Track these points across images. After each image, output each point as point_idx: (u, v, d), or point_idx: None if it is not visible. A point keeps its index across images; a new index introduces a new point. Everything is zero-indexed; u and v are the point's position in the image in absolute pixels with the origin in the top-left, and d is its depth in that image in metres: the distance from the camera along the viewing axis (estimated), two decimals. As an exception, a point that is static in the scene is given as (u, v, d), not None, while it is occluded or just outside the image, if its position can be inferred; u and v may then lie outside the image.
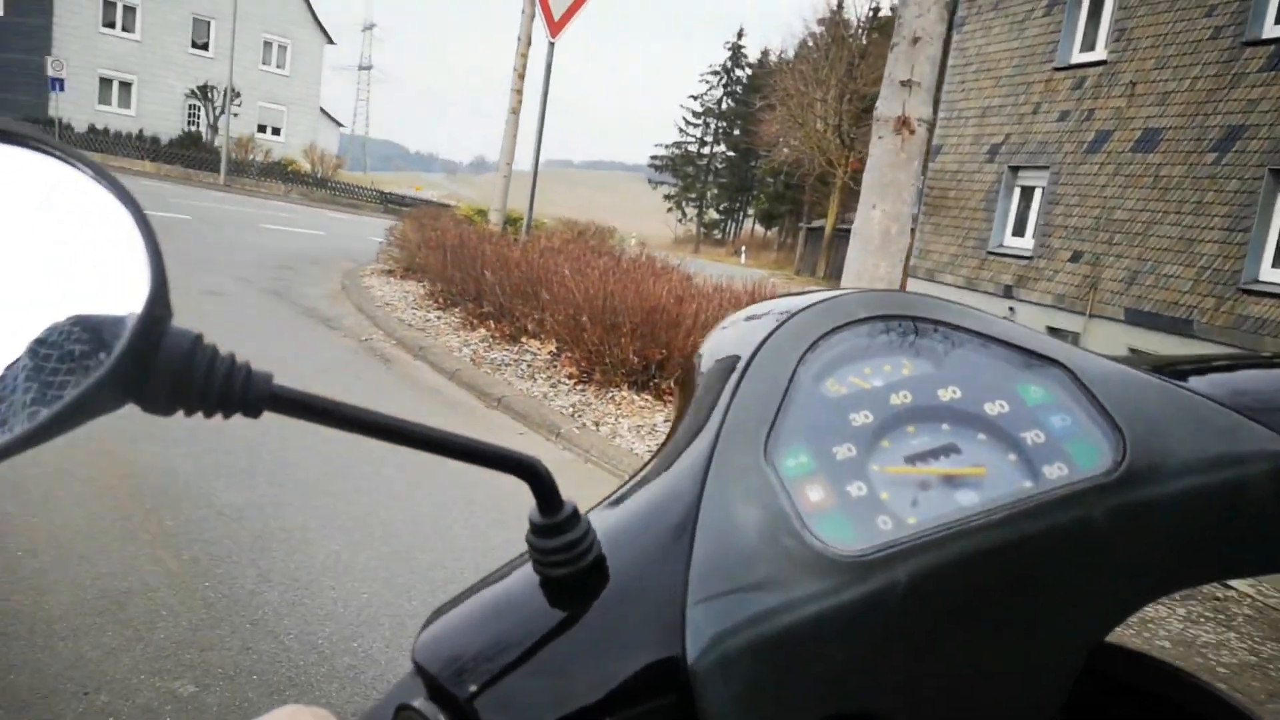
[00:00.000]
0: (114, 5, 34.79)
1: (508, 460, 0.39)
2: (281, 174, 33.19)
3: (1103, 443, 0.43)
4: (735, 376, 0.46)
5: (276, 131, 40.28)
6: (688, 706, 0.38)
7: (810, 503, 0.41)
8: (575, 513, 0.40)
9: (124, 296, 0.30)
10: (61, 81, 27.67)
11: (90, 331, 0.31)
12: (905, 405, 0.45)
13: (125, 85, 35.64)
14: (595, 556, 0.41)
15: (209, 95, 36.18)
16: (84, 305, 0.31)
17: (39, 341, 0.31)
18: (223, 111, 31.48)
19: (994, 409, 0.44)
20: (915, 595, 0.39)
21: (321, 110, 44.67)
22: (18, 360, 0.30)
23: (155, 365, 0.31)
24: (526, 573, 0.41)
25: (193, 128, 36.99)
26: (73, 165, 0.32)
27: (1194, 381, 0.47)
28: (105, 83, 35.03)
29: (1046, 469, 0.42)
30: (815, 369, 0.46)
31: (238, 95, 33.21)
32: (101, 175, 0.32)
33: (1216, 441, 0.44)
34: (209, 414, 0.32)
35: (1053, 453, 0.43)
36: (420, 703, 0.37)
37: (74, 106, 32.89)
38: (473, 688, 0.37)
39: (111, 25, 34.86)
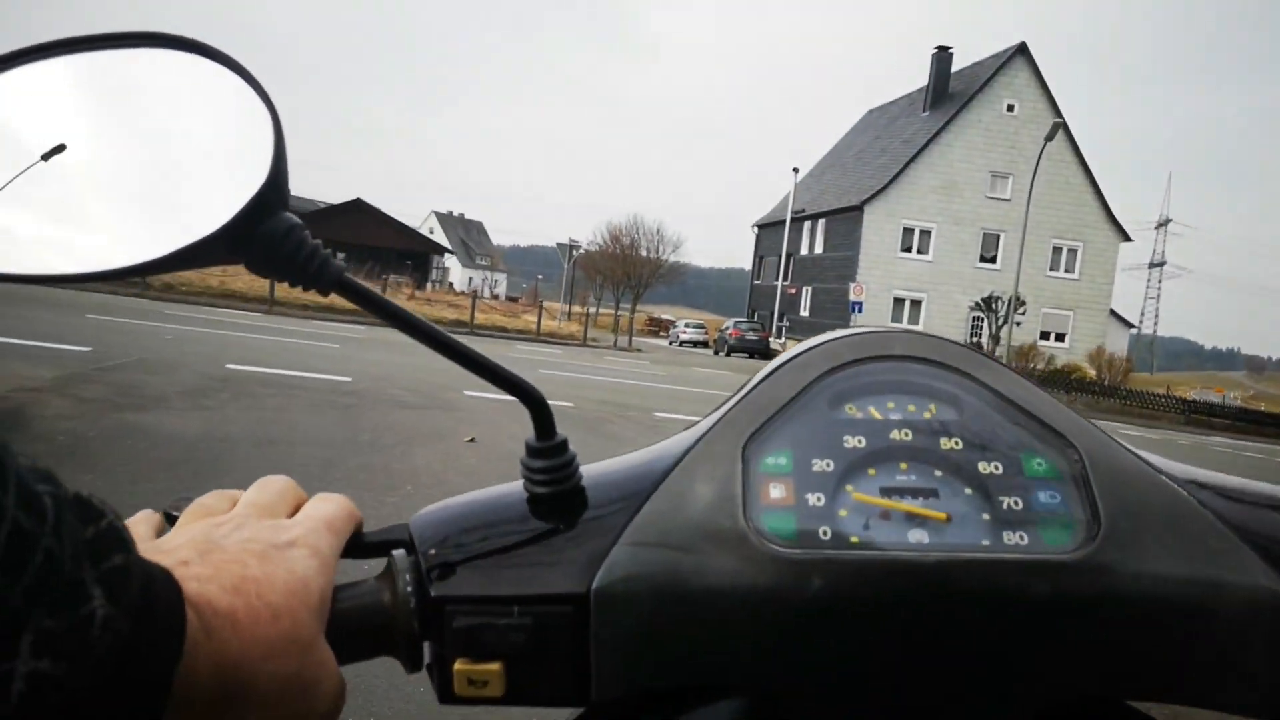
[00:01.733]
0: (911, 231, 37.68)
1: (519, 386, 0.47)
2: (1064, 382, 30.40)
3: (1078, 527, 0.44)
4: (755, 380, 0.52)
5: (1060, 337, 38.07)
6: (584, 624, 0.44)
7: (769, 498, 0.46)
8: (564, 443, 0.48)
9: (252, 179, 0.39)
10: (860, 304, 30.13)
11: (218, 197, 0.39)
12: (903, 442, 0.47)
13: (915, 302, 37.96)
14: (574, 484, 0.48)
15: (993, 306, 35.95)
16: (218, 177, 0.41)
17: (179, 192, 0.41)
18: (1005, 321, 30.51)
19: (988, 468, 0.46)
20: (827, 604, 0.43)
21: (1111, 312, 41.03)
22: (159, 202, 0.41)
23: (259, 235, 0.39)
24: (517, 487, 0.49)
25: (975, 338, 37.07)
26: (238, 73, 0.42)
27: (1210, 496, 0.46)
28: (898, 302, 37.81)
29: (1008, 535, 0.44)
30: (837, 390, 0.50)
31: (1022, 304, 32.08)
32: (254, 84, 0.42)
33: (1201, 559, 0.43)
34: (293, 284, 0.41)
35: (1022, 522, 0.44)
36: (398, 554, 0.46)
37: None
38: (432, 552, 0.45)
39: (908, 250, 37.80)
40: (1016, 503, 0.45)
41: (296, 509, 0.45)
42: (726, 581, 0.44)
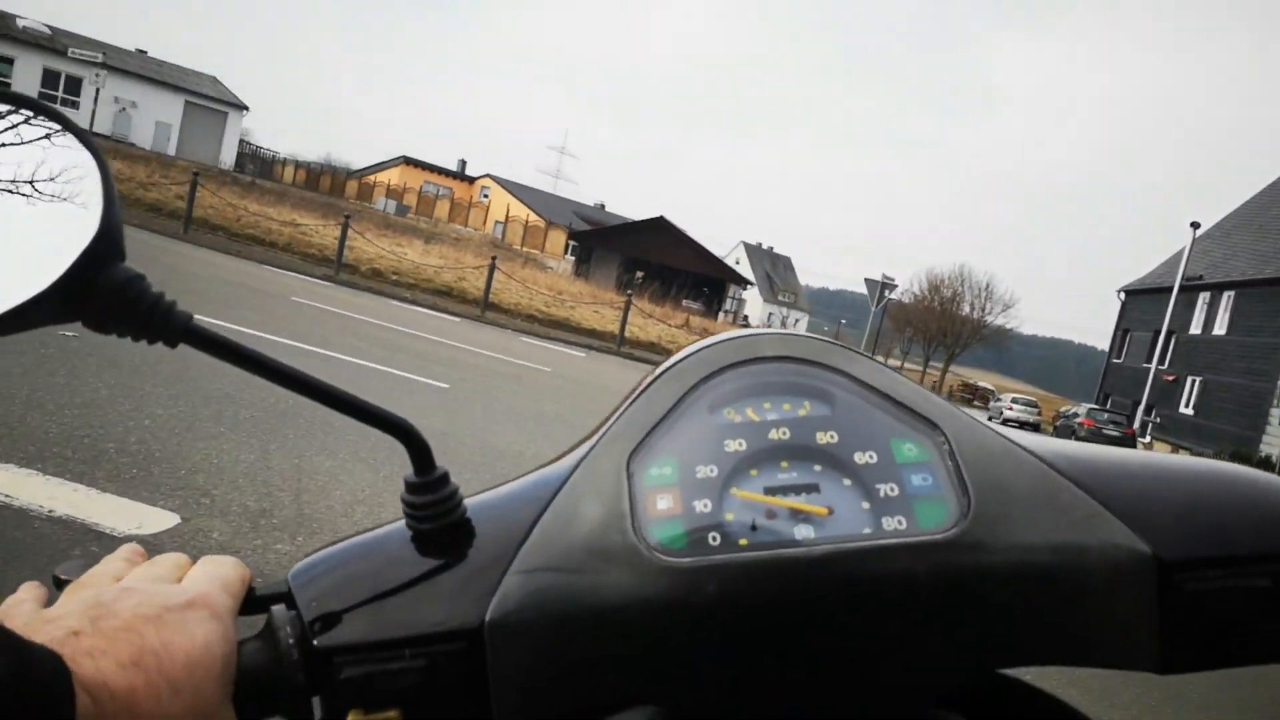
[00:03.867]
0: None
1: (386, 421, 0.46)
2: None
3: (951, 506, 0.46)
4: (633, 394, 0.52)
5: None
6: (480, 659, 0.44)
7: (656, 510, 0.46)
8: (445, 476, 0.47)
9: (84, 232, 0.38)
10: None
11: (49, 253, 0.37)
12: (781, 441, 0.48)
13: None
14: (458, 516, 0.47)
15: None
16: (48, 235, 0.39)
17: (4, 251, 0.39)
18: None
19: (863, 459, 0.48)
20: (722, 608, 0.43)
21: None
22: None
23: (96, 291, 0.38)
24: (399, 526, 0.48)
25: None
26: (59, 124, 0.41)
27: (1070, 466, 0.48)
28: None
29: (886, 520, 0.45)
30: (714, 397, 0.51)
31: None
32: (78, 133, 0.41)
33: (1066, 526, 0.45)
34: (135, 338, 0.40)
35: (899, 507, 0.46)
36: (277, 609, 0.45)
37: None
38: (313, 603, 0.44)
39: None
40: (892, 489, 0.46)
41: (183, 576, 0.44)
42: (621, 598, 0.44)
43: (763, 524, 0.45)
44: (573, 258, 48.60)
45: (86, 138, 0.41)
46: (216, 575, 0.43)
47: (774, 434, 0.49)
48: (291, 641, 0.43)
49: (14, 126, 0.41)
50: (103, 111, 40.26)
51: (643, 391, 0.52)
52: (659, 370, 0.54)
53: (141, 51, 48.19)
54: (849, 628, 0.44)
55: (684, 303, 41.52)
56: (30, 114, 0.41)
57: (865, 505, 0.46)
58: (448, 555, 0.47)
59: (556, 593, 0.44)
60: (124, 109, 42.66)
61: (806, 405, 0.50)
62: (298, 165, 57.95)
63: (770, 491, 0.46)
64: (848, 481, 0.47)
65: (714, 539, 0.45)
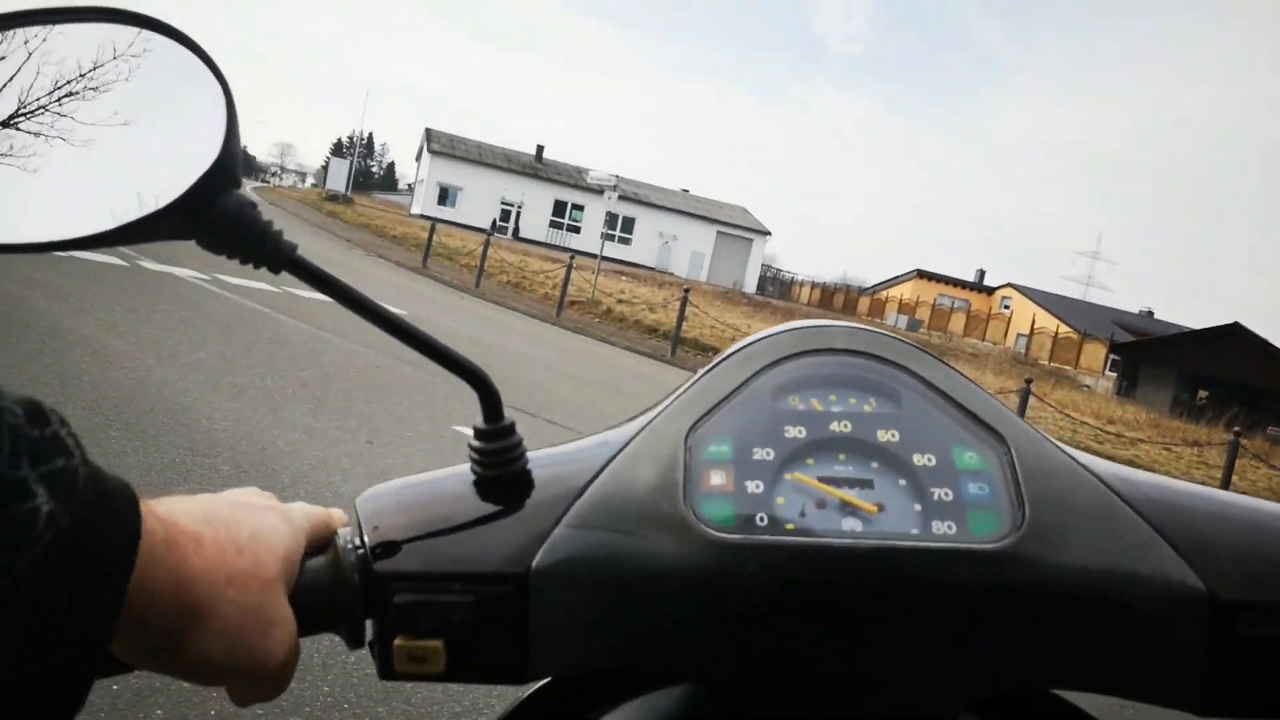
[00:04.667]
0: None
1: (462, 367, 0.48)
2: None
3: (1005, 518, 0.45)
4: (701, 372, 0.53)
5: None
6: (524, 603, 0.45)
7: (709, 484, 0.47)
8: (511, 426, 0.49)
9: (206, 156, 0.40)
10: None
11: (173, 174, 0.40)
12: (842, 434, 0.49)
13: None
14: (520, 467, 0.49)
15: None
16: (171, 153, 0.41)
17: (131, 167, 0.42)
18: None
19: (921, 460, 0.48)
20: (762, 588, 0.44)
21: None
22: (109, 176, 0.41)
23: (212, 213, 0.40)
24: (464, 469, 0.50)
25: None
26: (192, 50, 0.43)
27: (1131, 492, 0.47)
28: None
29: (936, 524, 0.45)
30: (781, 383, 0.51)
31: None
32: (208, 61, 0.43)
33: (1120, 552, 0.45)
34: (244, 261, 0.42)
35: (952, 513, 0.46)
36: (343, 530, 0.48)
37: None
38: (376, 530, 0.47)
39: None
40: (947, 494, 0.46)
41: None
42: (664, 565, 0.45)
43: (812, 512, 0.46)
44: (1114, 374, 41.95)
45: (216, 68, 0.42)
46: (301, 505, 0.47)
47: (835, 426, 0.49)
48: (353, 561, 0.45)
49: (139, 45, 0.43)
50: (649, 244, 45.76)
51: (711, 370, 0.53)
52: (729, 351, 0.54)
53: (684, 190, 54.48)
54: (886, 625, 0.44)
55: (1270, 430, 32.73)
56: (166, 38, 0.43)
57: (917, 507, 0.46)
58: (505, 501, 0.48)
59: (603, 550, 0.46)
60: (666, 242, 48.16)
61: (872, 401, 0.50)
62: (814, 285, 59.88)
63: (824, 482, 0.47)
64: (903, 481, 0.47)
65: (762, 519, 0.45)
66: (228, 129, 0.41)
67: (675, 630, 0.45)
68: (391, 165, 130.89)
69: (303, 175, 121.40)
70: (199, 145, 0.40)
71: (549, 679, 0.52)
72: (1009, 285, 61.02)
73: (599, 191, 51.69)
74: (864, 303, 58.42)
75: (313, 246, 15.61)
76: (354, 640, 0.46)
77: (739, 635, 0.45)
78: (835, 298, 58.18)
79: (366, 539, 0.46)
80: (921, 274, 63.81)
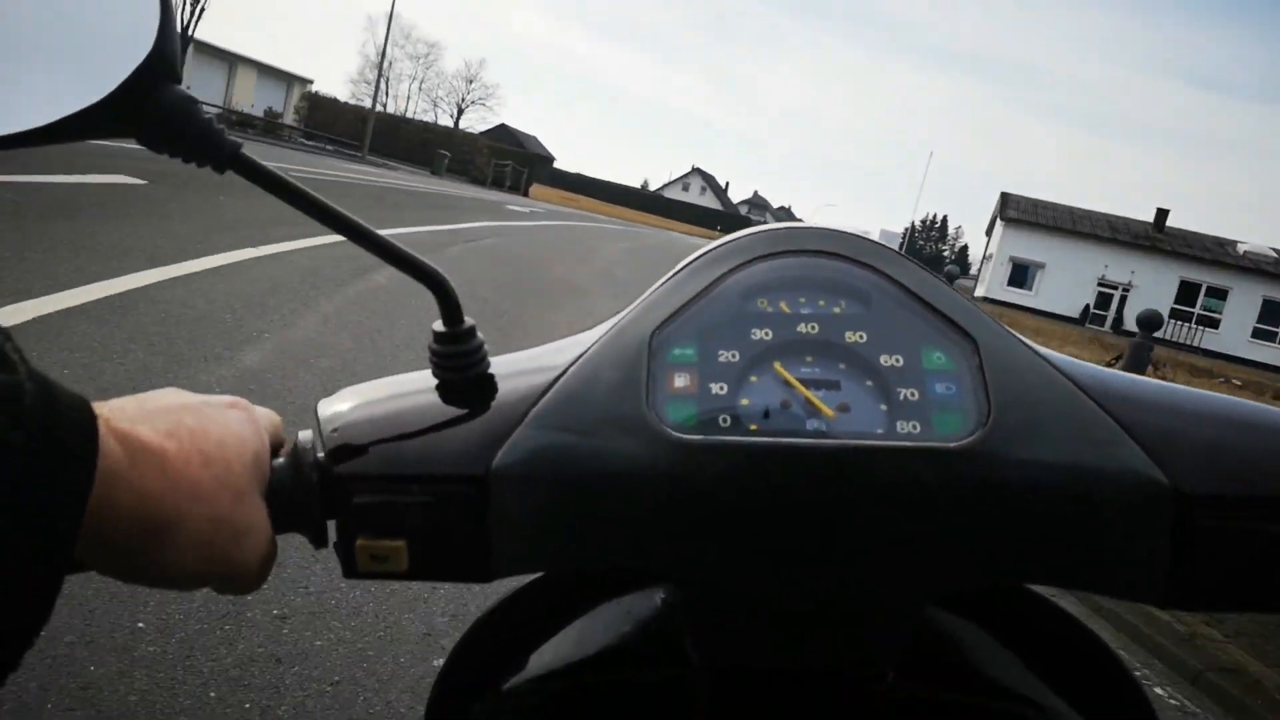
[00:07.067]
0: None
1: (419, 269, 0.46)
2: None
3: (969, 416, 0.45)
4: (669, 275, 0.52)
5: None
6: (484, 503, 0.45)
7: (673, 386, 0.46)
8: (472, 329, 0.48)
9: (139, 50, 0.38)
10: None
11: (108, 68, 0.38)
12: (809, 336, 0.48)
13: None
14: (481, 370, 0.48)
15: None
16: (106, 50, 0.39)
17: (60, 61, 0.39)
18: None
19: (889, 361, 0.47)
20: (724, 487, 0.44)
21: None
22: (37, 71, 0.39)
23: (149, 109, 0.39)
24: (425, 374, 0.49)
25: None
26: None
27: (1098, 389, 0.47)
28: None
29: (901, 424, 0.45)
30: (749, 285, 0.50)
31: None
32: None
33: (1085, 448, 0.45)
34: (185, 159, 0.41)
35: (917, 412, 0.45)
36: (303, 434, 0.47)
37: None
38: (334, 432, 0.46)
39: None
40: (913, 394, 0.46)
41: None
42: (626, 465, 0.44)
43: (776, 412, 0.45)
44: None
45: None
46: (263, 409, 0.47)
47: (802, 327, 0.48)
48: (311, 462, 0.45)
49: None
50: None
51: (677, 273, 0.52)
52: (697, 254, 0.53)
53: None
54: (850, 523, 0.44)
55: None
56: None
57: (883, 407, 0.46)
58: (467, 404, 0.48)
59: (563, 450, 0.45)
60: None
61: (842, 303, 0.49)
62: None
63: (789, 382, 0.46)
64: (870, 382, 0.47)
65: (724, 420, 0.45)
66: (162, 19, 0.39)
67: (636, 530, 0.45)
68: (964, 249, 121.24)
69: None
70: (133, 38, 0.38)
71: (532, 580, 0.53)
72: None
73: (1254, 270, 37.30)
74: None
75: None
76: (318, 541, 0.47)
77: (701, 535, 0.45)
78: None
79: (325, 441, 0.46)
80: None
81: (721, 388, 0.46)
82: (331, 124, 38.96)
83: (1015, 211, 39.40)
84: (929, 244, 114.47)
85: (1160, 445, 0.45)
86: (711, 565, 0.45)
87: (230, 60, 35.55)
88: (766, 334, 0.48)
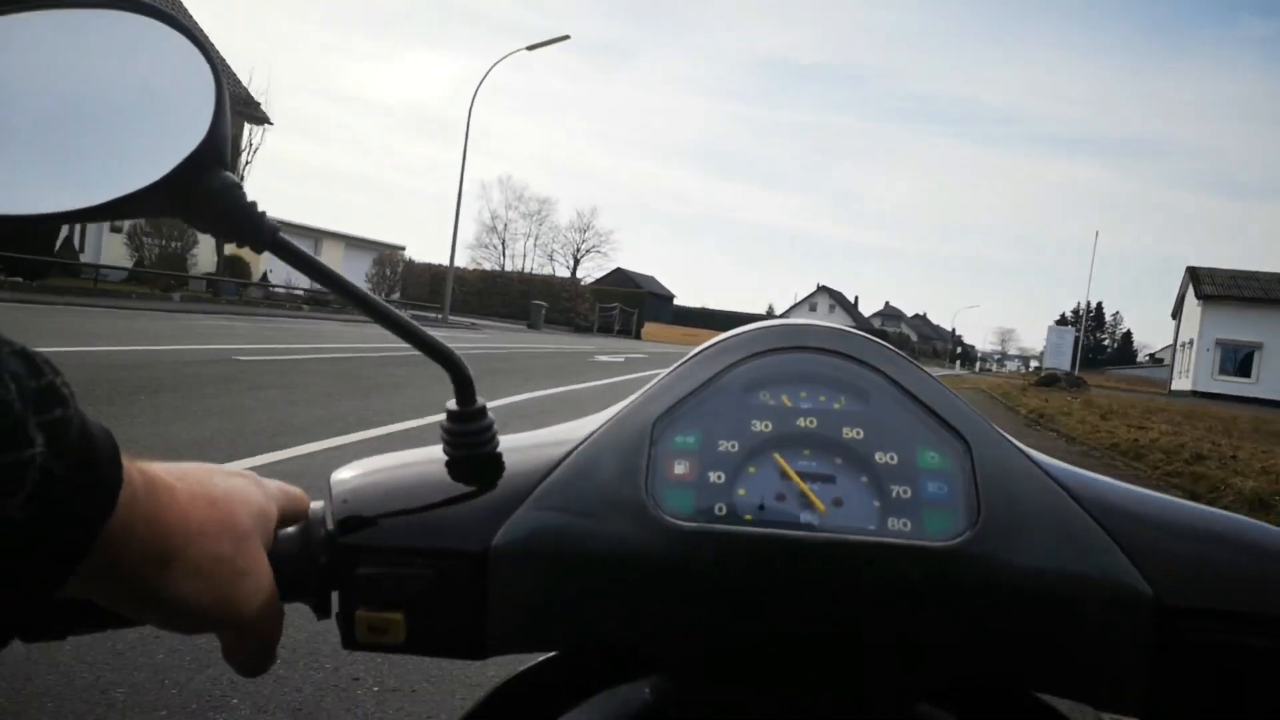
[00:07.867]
0: None
1: (437, 351, 0.48)
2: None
3: (959, 517, 0.46)
4: (676, 365, 0.54)
5: None
6: (483, 580, 0.46)
7: (672, 473, 0.48)
8: (483, 409, 0.51)
9: (193, 137, 0.41)
10: None
11: (162, 152, 0.41)
12: (808, 430, 0.49)
13: None
14: (490, 449, 0.50)
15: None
16: (159, 134, 0.42)
17: (118, 146, 0.42)
18: None
19: (884, 458, 0.48)
20: (717, 575, 0.45)
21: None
22: (98, 153, 0.42)
23: (198, 192, 0.41)
24: (437, 450, 0.52)
25: None
26: (184, 34, 0.44)
27: (1087, 496, 0.48)
28: None
29: (893, 521, 0.46)
30: (751, 379, 0.52)
31: None
32: (199, 44, 0.44)
33: (1071, 554, 0.45)
34: (228, 240, 0.43)
35: (909, 510, 0.46)
36: (315, 504, 0.50)
37: None
38: (345, 503, 0.48)
39: None
40: (905, 491, 0.47)
41: None
42: (621, 549, 0.46)
43: (771, 504, 0.47)
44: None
45: (207, 50, 0.44)
46: (280, 483, 0.49)
47: (801, 421, 0.49)
48: (321, 534, 0.48)
49: (133, 30, 0.44)
50: None
51: (684, 364, 0.54)
52: (704, 346, 0.55)
53: None
54: (840, 617, 0.45)
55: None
56: (160, 23, 0.44)
57: (876, 503, 0.47)
58: (473, 481, 0.49)
59: (562, 531, 0.47)
60: None
61: (841, 400, 0.51)
62: None
63: (786, 476, 0.47)
64: (864, 478, 0.48)
65: (720, 509, 0.46)
66: (216, 111, 0.42)
67: (631, 613, 0.46)
68: (1127, 334, 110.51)
69: (1025, 360, 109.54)
70: (188, 127, 0.41)
71: (525, 669, 0.54)
72: None
73: None
74: None
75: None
76: (321, 611, 0.48)
77: (692, 620, 0.46)
78: None
79: (335, 513, 0.48)
80: None
81: (720, 476, 0.47)
82: (408, 288, 37.48)
83: (1212, 287, 32.89)
84: (1087, 334, 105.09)
85: (1146, 556, 0.45)
86: (701, 650, 0.46)
87: (316, 236, 34.42)
88: (766, 426, 0.49)
